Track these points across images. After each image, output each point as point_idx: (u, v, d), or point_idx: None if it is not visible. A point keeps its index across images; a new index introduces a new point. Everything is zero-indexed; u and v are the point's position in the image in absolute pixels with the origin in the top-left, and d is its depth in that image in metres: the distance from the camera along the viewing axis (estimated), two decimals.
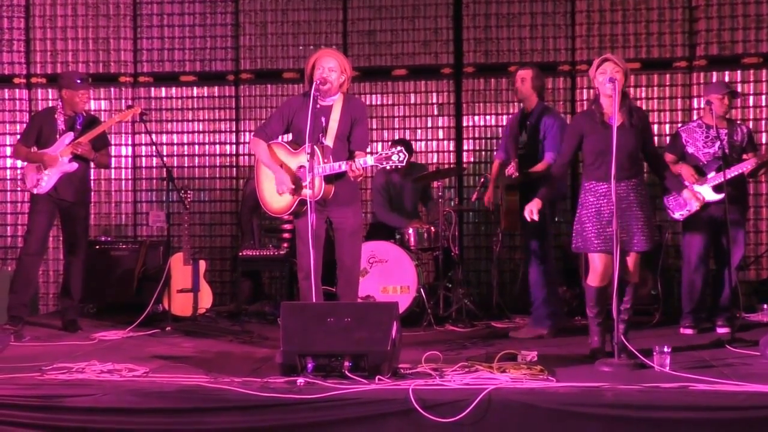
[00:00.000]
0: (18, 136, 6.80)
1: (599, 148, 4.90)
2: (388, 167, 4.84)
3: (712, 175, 5.87)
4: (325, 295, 5.55)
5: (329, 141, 5.06)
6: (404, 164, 4.84)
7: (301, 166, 5.04)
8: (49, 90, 8.14)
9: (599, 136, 4.90)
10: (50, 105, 7.61)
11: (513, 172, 5.87)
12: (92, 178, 6.60)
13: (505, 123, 7.80)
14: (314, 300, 4.96)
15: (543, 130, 5.91)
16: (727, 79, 7.44)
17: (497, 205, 6.15)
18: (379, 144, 7.95)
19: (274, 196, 5.18)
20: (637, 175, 4.93)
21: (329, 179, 5.00)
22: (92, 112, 7.02)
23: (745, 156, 5.97)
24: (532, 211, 5.04)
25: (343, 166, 4.91)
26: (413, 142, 7.69)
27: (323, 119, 5.02)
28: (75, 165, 6.17)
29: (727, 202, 5.55)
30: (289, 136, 5.33)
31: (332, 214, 5.16)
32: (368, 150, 5.29)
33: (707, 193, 5.87)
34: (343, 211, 5.15)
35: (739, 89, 7.49)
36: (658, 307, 6.45)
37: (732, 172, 5.74)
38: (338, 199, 5.08)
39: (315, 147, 4.90)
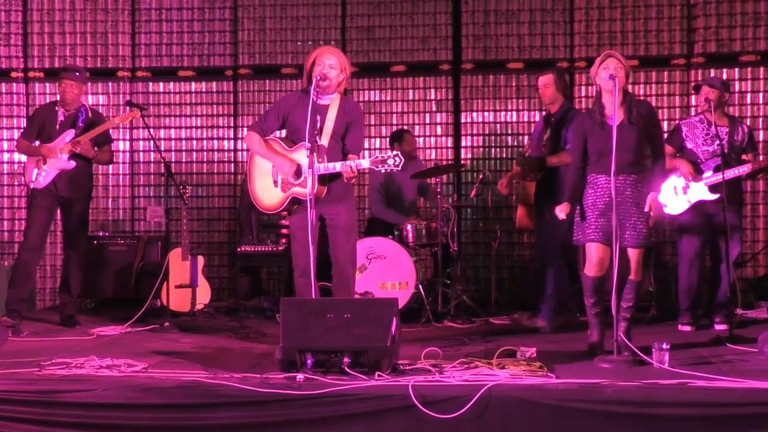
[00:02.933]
0: (16, 131, 6.79)
1: (598, 147, 4.95)
2: (383, 170, 4.84)
3: (708, 174, 5.88)
4: (322, 290, 5.55)
5: (324, 140, 5.04)
6: (399, 168, 4.85)
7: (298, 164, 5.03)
8: (47, 84, 8.11)
9: (598, 136, 4.95)
10: (48, 99, 7.61)
11: (527, 149, 6.12)
12: (92, 173, 6.57)
13: (504, 120, 7.86)
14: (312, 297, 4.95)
15: (565, 129, 6.00)
16: (724, 76, 7.44)
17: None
18: (378, 140, 7.96)
19: (266, 193, 5.17)
20: (638, 171, 4.94)
21: (322, 180, 4.98)
22: (93, 107, 7.01)
23: (744, 156, 5.97)
24: (563, 212, 5.04)
25: (338, 166, 4.90)
26: None
27: (319, 118, 4.99)
28: (73, 163, 6.15)
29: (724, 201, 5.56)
30: (284, 133, 5.33)
31: (325, 211, 5.13)
32: (365, 146, 5.28)
33: (703, 192, 5.88)
34: (335, 207, 5.13)
35: (737, 87, 7.52)
36: (653, 303, 6.45)
37: (728, 174, 5.69)
38: (331, 196, 5.07)
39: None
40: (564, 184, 5.43)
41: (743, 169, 5.81)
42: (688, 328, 5.93)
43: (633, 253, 4.92)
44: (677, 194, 5.99)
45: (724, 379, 4.12)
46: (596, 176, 4.97)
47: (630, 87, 7.27)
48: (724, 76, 7.44)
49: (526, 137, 7.45)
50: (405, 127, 7.70)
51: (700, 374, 4.18)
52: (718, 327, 5.84)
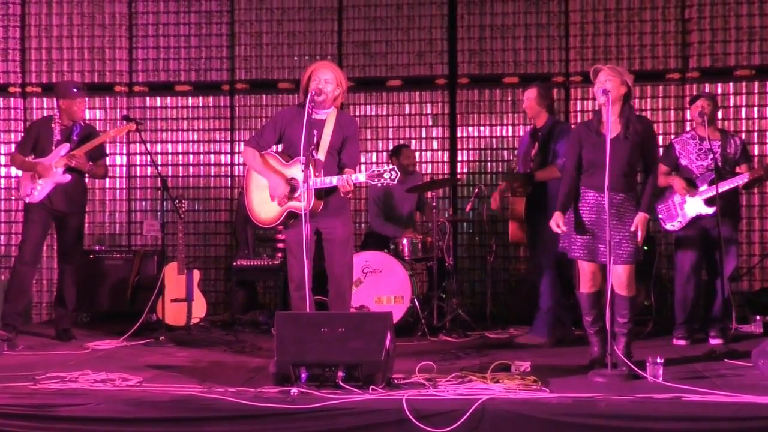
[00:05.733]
0: (13, 145, 6.79)
1: (591, 157, 4.95)
2: (379, 184, 4.86)
3: (704, 188, 5.89)
4: (318, 305, 5.55)
5: (321, 155, 5.06)
6: (396, 182, 4.87)
7: (293, 178, 5.05)
8: (44, 99, 8.15)
9: (592, 146, 4.94)
10: (46, 114, 7.62)
11: (515, 165, 6.18)
12: (89, 187, 6.59)
13: (500, 134, 7.89)
14: (307, 310, 4.96)
15: (553, 142, 6.01)
16: (719, 91, 7.48)
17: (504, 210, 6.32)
18: (374, 154, 7.98)
19: (263, 207, 5.18)
20: (626, 190, 4.91)
21: (319, 194, 4.99)
22: (88, 122, 7.03)
23: (738, 169, 5.99)
24: (558, 225, 4.98)
25: (335, 180, 4.92)
26: None
27: (315, 132, 5.02)
28: (68, 177, 6.17)
29: (720, 215, 5.58)
30: (281, 147, 5.34)
31: (321, 225, 5.15)
32: (362, 160, 5.29)
33: (699, 206, 5.90)
34: (331, 221, 5.15)
35: (732, 101, 7.56)
36: (650, 317, 6.46)
37: (724, 186, 5.73)
38: (327, 210, 5.08)
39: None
40: (556, 197, 5.44)
41: (739, 181, 5.83)
42: (683, 342, 5.93)
43: (619, 270, 4.88)
44: (675, 210, 6.00)
45: (718, 393, 4.13)
46: (586, 190, 4.98)
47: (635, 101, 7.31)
48: (719, 91, 7.49)
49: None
50: (403, 142, 7.72)
51: (694, 389, 4.19)
52: (713, 341, 5.84)
